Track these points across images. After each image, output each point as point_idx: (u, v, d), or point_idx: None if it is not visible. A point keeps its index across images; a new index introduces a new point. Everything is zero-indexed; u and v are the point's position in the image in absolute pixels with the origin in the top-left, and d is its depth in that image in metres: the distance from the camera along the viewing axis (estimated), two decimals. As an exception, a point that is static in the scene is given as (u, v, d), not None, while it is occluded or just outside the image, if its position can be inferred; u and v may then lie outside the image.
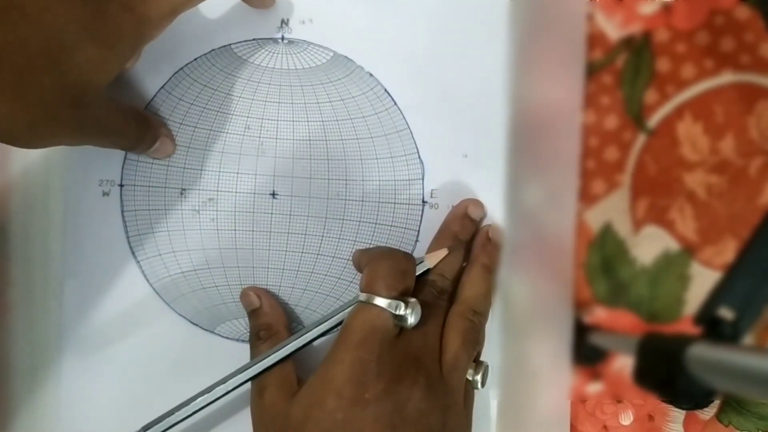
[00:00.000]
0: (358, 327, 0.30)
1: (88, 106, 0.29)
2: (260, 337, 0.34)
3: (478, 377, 0.33)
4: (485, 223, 0.36)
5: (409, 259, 0.32)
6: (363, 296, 0.31)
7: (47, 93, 0.27)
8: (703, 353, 0.33)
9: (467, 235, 0.35)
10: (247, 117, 0.36)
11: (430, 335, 0.32)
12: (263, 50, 0.36)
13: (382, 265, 0.32)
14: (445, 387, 0.31)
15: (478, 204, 0.35)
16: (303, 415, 0.30)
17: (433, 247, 0.35)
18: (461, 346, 0.32)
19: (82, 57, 0.28)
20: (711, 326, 0.35)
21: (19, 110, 0.27)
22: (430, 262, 0.33)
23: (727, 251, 0.35)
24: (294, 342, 0.32)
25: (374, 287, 0.31)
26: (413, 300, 0.31)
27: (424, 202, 0.36)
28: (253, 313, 0.35)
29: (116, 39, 0.29)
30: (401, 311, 0.30)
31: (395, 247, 0.36)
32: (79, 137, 0.30)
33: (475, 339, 0.33)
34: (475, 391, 0.34)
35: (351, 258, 0.36)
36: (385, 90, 0.36)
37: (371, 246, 0.36)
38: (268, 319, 0.35)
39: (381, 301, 0.30)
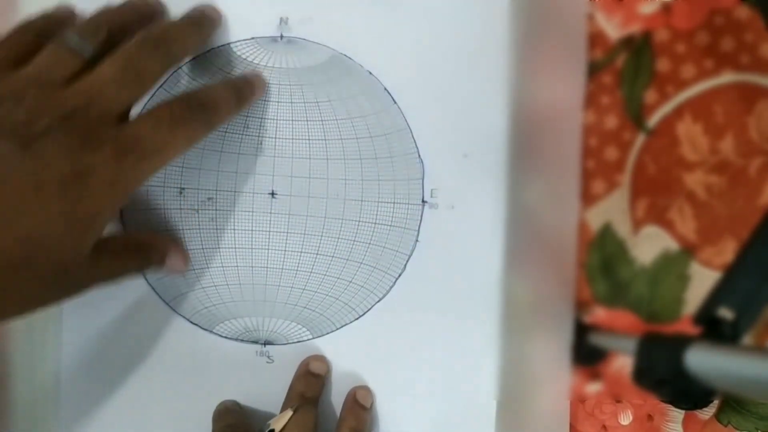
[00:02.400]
0: None
1: (71, 281, 0.29)
2: None
3: None
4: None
5: None
6: None
7: (27, 286, 0.27)
8: (702, 353, 0.33)
9: (314, 391, 0.35)
10: (246, 116, 0.36)
11: None
12: (262, 49, 0.36)
13: None
14: None
15: (319, 359, 0.36)
16: None
17: (281, 410, 0.34)
18: None
19: (60, 246, 0.27)
20: (711, 326, 0.35)
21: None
22: (277, 426, 0.32)
23: (727, 251, 0.36)
24: None
25: None
26: None
27: (423, 201, 0.36)
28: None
29: (95, 217, 0.28)
30: None
31: (395, 246, 0.36)
32: (67, 299, 0.30)
33: None
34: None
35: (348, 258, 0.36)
36: (385, 89, 0.36)
37: (368, 243, 0.36)
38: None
39: None
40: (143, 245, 0.34)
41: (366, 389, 0.36)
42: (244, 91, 0.34)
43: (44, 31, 0.31)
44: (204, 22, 0.34)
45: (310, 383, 0.35)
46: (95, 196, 0.27)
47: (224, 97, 0.32)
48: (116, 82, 0.28)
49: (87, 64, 0.29)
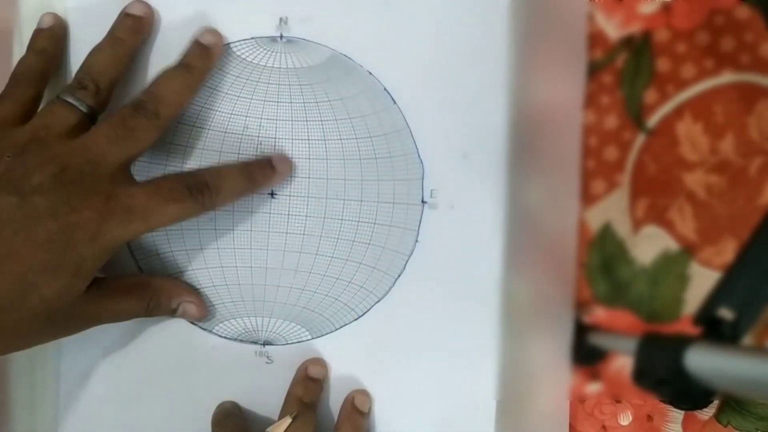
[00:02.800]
0: None
1: (67, 319, 0.31)
2: None
3: None
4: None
5: None
6: None
7: (17, 327, 0.29)
8: (702, 353, 0.33)
9: (312, 396, 0.35)
10: (246, 116, 0.36)
11: None
12: (262, 49, 0.36)
13: None
14: None
15: (318, 363, 0.36)
16: None
17: (280, 416, 0.34)
18: None
19: (48, 291, 0.29)
20: (711, 326, 0.35)
21: None
22: None
23: (727, 251, 0.36)
24: None
25: None
26: None
27: (423, 202, 0.36)
28: None
29: (81, 266, 0.30)
30: None
31: (394, 247, 0.36)
32: (67, 335, 0.32)
33: None
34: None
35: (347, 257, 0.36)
36: (385, 89, 0.36)
37: (368, 244, 0.36)
38: None
39: None
40: (150, 288, 0.34)
41: (364, 394, 0.36)
42: (257, 178, 0.34)
43: (42, 75, 0.33)
44: (199, 64, 0.34)
45: (308, 388, 0.35)
46: (79, 247, 0.29)
47: (232, 182, 0.33)
48: (110, 142, 0.30)
49: (84, 117, 0.31)
